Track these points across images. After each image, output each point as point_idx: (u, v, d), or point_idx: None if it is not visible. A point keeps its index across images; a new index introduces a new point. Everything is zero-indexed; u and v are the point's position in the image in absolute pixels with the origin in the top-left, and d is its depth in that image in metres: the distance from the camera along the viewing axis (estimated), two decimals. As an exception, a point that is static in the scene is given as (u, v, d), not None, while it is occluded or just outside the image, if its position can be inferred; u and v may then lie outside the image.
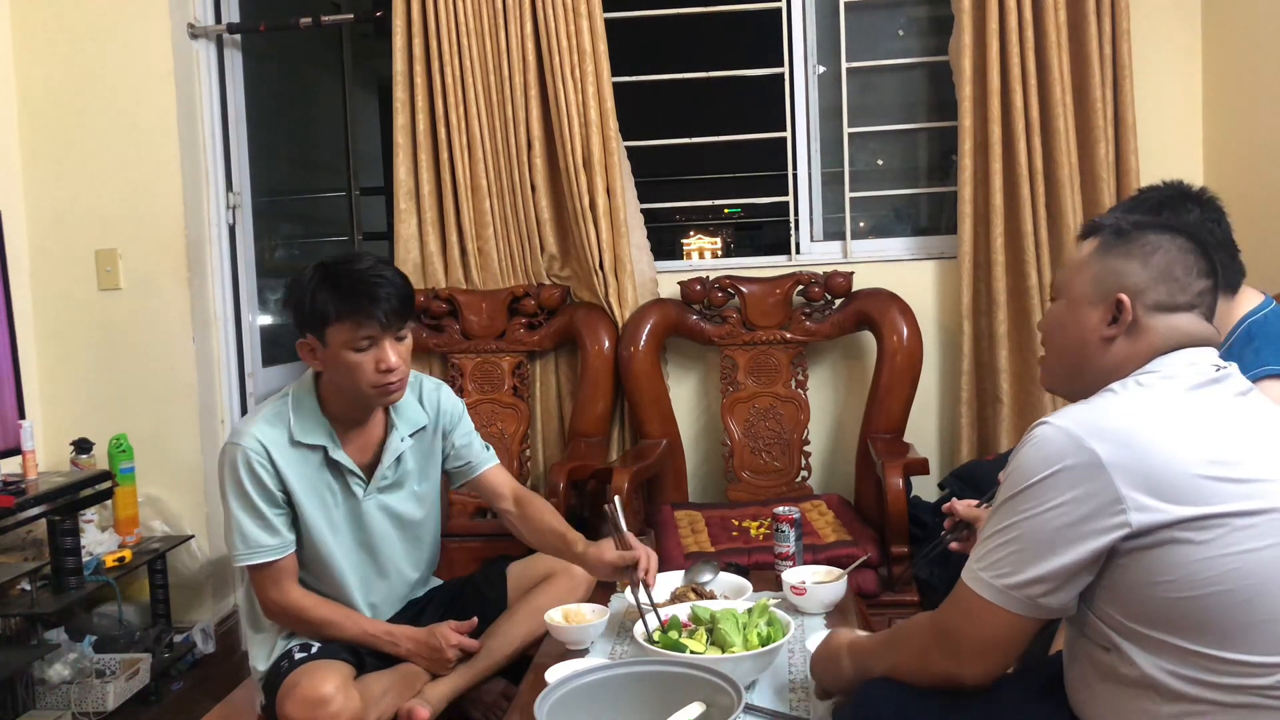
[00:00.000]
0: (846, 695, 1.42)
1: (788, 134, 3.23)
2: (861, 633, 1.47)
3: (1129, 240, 1.25)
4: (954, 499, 1.72)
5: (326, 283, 1.81)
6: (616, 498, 1.97)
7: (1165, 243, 1.24)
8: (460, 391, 3.07)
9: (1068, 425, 1.13)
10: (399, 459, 1.99)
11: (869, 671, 1.35)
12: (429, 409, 2.04)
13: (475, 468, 2.11)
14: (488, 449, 2.15)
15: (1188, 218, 1.69)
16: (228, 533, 1.88)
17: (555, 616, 1.89)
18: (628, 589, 1.97)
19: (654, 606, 1.81)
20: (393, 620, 2.06)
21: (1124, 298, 1.22)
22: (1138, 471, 1.08)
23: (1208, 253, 1.25)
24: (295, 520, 1.91)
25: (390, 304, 1.79)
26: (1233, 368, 1.23)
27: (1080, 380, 1.27)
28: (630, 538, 1.89)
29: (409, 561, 2.08)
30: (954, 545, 1.65)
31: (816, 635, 1.85)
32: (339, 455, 1.91)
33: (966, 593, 1.18)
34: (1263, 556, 1.07)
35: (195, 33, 3.10)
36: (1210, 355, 1.22)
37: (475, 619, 1.98)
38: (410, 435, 2.00)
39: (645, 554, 1.87)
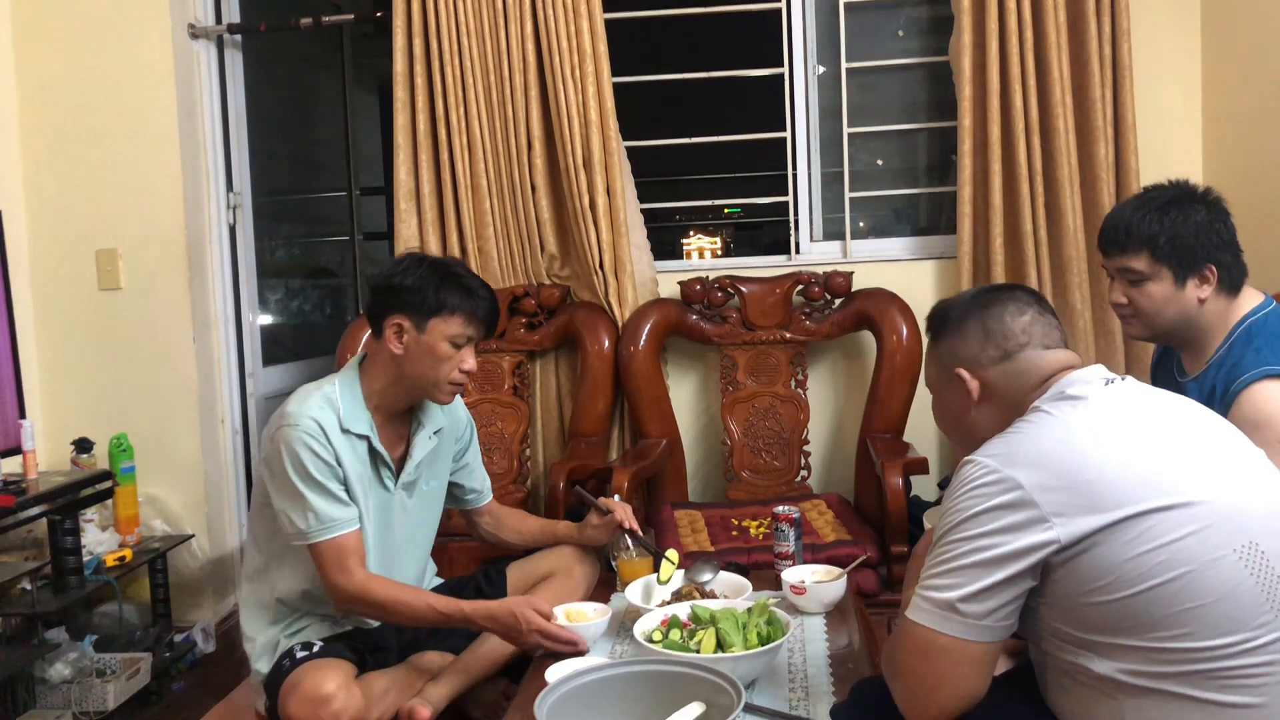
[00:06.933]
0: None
1: (787, 134, 3.23)
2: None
3: (945, 324, 1.40)
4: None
5: (450, 278, 1.91)
6: (577, 486, 2.29)
7: (971, 310, 1.37)
8: (460, 391, 3.07)
9: (988, 460, 1.20)
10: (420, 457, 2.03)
11: None
12: (447, 412, 2.10)
13: (481, 497, 2.25)
14: (485, 482, 2.26)
15: (1193, 218, 1.70)
16: (293, 516, 1.83)
17: (556, 616, 1.89)
18: (630, 589, 1.98)
19: (652, 548, 2.10)
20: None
21: (961, 371, 1.35)
22: (1059, 490, 1.14)
23: (1008, 293, 1.37)
24: None
25: (494, 318, 1.98)
26: (1127, 380, 1.28)
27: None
28: (606, 502, 2.15)
29: (413, 558, 2.10)
30: None
31: (818, 633, 1.86)
32: (379, 446, 1.93)
33: (909, 626, 1.20)
34: (1186, 544, 1.11)
35: (195, 33, 3.10)
36: (1099, 372, 1.29)
37: (552, 609, 1.89)
38: (434, 433, 2.05)
39: (620, 509, 2.11)
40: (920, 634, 1.18)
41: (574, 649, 1.81)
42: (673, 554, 2.05)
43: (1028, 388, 1.30)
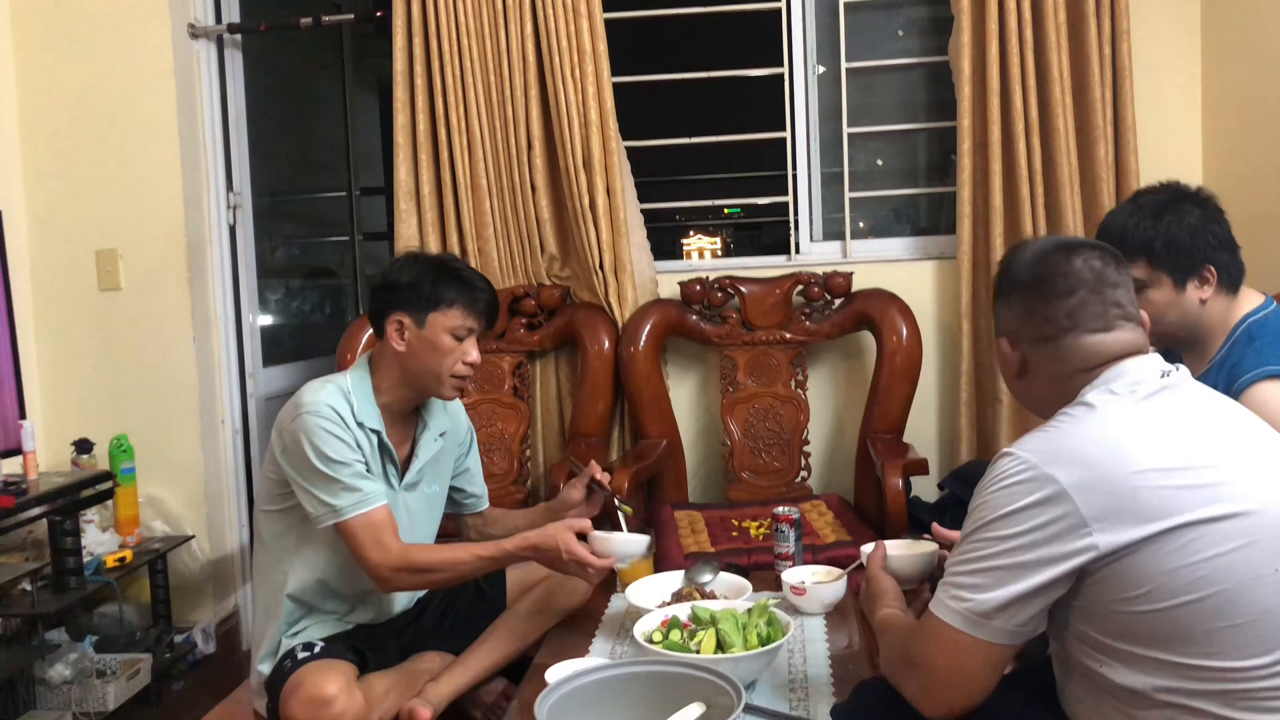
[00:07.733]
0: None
1: (787, 134, 3.23)
2: (893, 609, 1.45)
3: (1000, 283, 1.34)
4: (935, 524, 1.73)
5: (446, 272, 1.94)
6: (570, 456, 2.24)
7: (1023, 280, 1.29)
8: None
9: (1027, 455, 1.15)
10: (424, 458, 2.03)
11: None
12: (450, 416, 2.12)
13: (480, 502, 2.24)
14: (483, 487, 2.26)
15: (1188, 220, 1.69)
16: (324, 497, 1.82)
17: (594, 540, 1.87)
18: (630, 589, 1.98)
19: (619, 501, 2.06)
20: (392, 621, 2.07)
21: (1003, 341, 1.32)
22: (1099, 493, 1.09)
23: (1065, 265, 1.26)
24: None
25: (494, 309, 2.00)
26: (1181, 371, 1.23)
27: (1041, 412, 1.29)
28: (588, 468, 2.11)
29: None
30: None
31: (818, 633, 1.85)
32: (388, 442, 1.95)
33: (935, 622, 1.19)
34: (1230, 560, 1.07)
35: (195, 33, 3.10)
36: (1155, 363, 1.23)
37: (589, 522, 1.91)
38: (439, 436, 2.06)
39: (590, 465, 2.08)
40: (946, 632, 1.16)
41: (607, 571, 1.87)
42: (627, 508, 2.08)
43: (1073, 370, 1.24)
